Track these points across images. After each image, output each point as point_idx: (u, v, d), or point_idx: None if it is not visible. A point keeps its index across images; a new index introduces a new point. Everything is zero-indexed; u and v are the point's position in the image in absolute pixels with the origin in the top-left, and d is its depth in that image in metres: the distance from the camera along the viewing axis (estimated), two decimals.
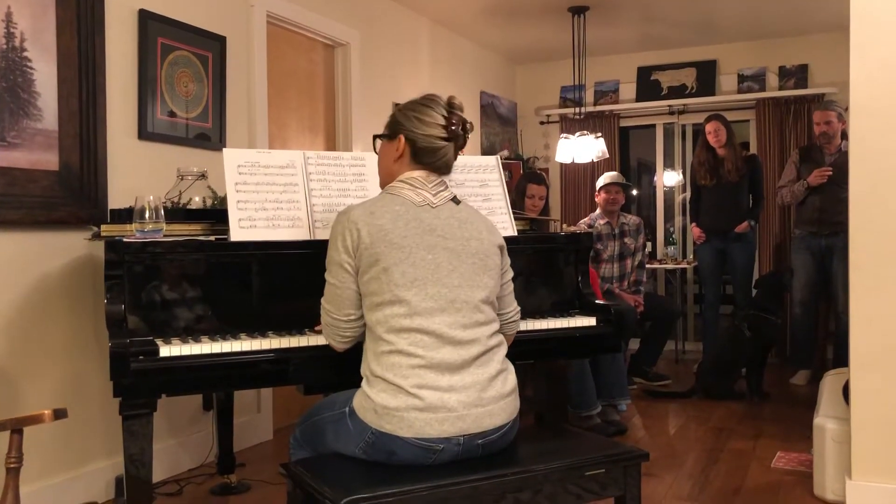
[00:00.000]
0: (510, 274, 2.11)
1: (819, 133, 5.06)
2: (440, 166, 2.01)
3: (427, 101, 2.02)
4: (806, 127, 6.05)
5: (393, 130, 2.03)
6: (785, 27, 5.99)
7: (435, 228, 1.92)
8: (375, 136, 2.11)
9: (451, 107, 2.01)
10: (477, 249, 1.95)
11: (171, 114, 3.45)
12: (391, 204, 1.92)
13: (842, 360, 3.90)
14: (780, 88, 6.27)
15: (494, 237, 2.02)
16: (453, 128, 1.98)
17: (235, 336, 2.15)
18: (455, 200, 2.01)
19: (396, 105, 5.13)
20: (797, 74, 6.24)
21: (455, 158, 2.05)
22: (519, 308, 2.18)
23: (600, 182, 5.16)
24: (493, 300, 1.98)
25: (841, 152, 4.89)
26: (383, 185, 2.07)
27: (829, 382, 3.24)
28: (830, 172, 4.88)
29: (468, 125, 2.02)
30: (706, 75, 6.52)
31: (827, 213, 4.95)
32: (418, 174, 1.98)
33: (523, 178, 4.74)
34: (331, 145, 4.68)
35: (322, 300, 1.99)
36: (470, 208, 2.05)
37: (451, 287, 1.88)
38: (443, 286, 1.87)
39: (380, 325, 1.85)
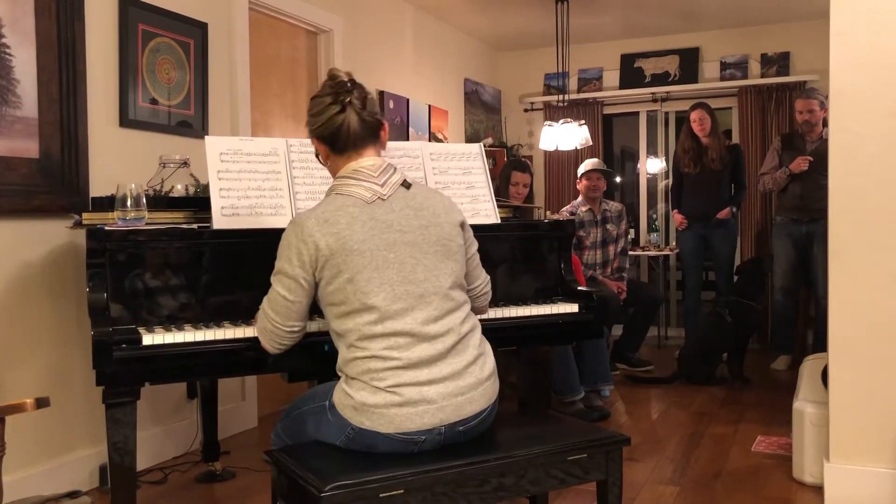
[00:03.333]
0: (474, 246, 2.05)
1: (801, 122, 5.10)
2: (356, 140, 1.91)
3: (315, 95, 1.97)
4: (788, 114, 6.10)
5: (311, 140, 2.00)
6: (767, 15, 6.02)
7: (391, 224, 1.85)
8: (316, 156, 2.04)
9: (332, 78, 1.94)
10: (437, 236, 1.89)
11: (153, 101, 3.43)
12: (343, 206, 1.84)
13: (822, 345, 3.95)
14: (763, 76, 6.31)
15: (452, 215, 1.95)
16: (340, 96, 1.89)
17: (219, 324, 2.15)
18: (405, 185, 1.92)
19: (380, 92, 5.16)
20: (779, 62, 6.27)
21: (365, 118, 1.91)
22: (488, 278, 2.14)
23: (582, 169, 5.18)
24: (462, 282, 1.95)
25: (822, 140, 4.93)
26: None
27: (809, 367, 3.28)
28: (811, 160, 4.92)
29: (349, 83, 1.91)
30: (689, 63, 6.54)
31: (808, 199, 4.99)
32: (357, 164, 1.91)
33: (508, 166, 4.75)
34: None
35: (264, 304, 1.92)
36: (423, 190, 1.97)
37: (418, 282, 1.84)
38: (409, 283, 1.83)
39: (351, 333, 1.82)
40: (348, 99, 1.90)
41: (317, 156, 2.04)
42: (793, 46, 6.23)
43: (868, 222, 2.81)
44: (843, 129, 2.85)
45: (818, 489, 2.94)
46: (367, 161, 1.92)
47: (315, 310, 1.95)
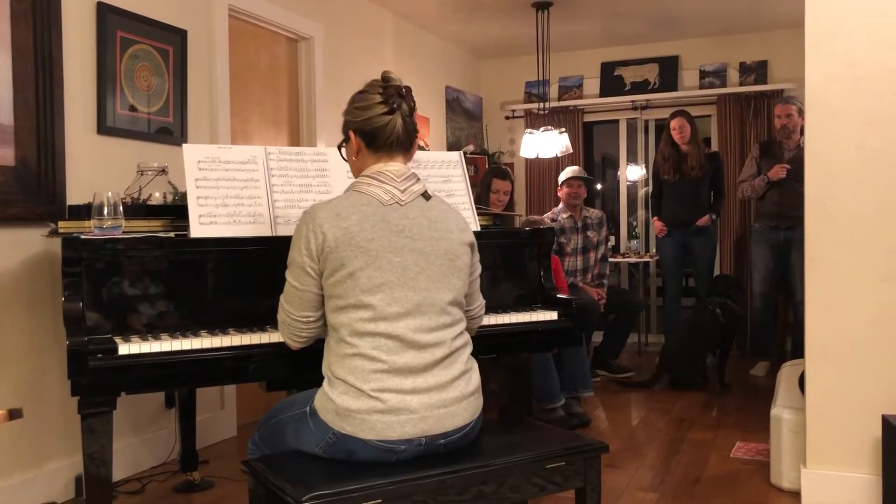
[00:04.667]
0: (479, 270, 2.08)
1: (780, 126, 5.15)
2: (394, 142, 1.93)
3: (363, 88, 1.97)
4: (766, 122, 6.16)
5: (345, 131, 2.00)
6: (745, 23, 6.08)
7: (403, 229, 1.87)
8: (338, 146, 2.06)
9: (386, 80, 1.95)
10: (446, 250, 1.91)
11: (132, 108, 3.41)
12: (358, 203, 1.87)
13: (800, 351, 3.97)
14: (741, 84, 6.37)
15: (465, 235, 1.97)
16: (391, 99, 1.92)
17: (196, 333, 2.14)
18: (426, 196, 1.95)
19: None
20: (757, 70, 6.34)
21: (409, 127, 1.95)
22: (484, 302, 2.17)
23: (563, 176, 5.21)
24: (461, 300, 1.96)
25: (800, 148, 4.98)
26: None
27: (787, 373, 3.31)
28: (789, 168, 4.98)
29: (404, 89, 1.95)
30: (668, 71, 6.59)
31: (786, 207, 5.04)
32: (384, 167, 1.93)
33: (488, 173, 4.77)
34: (294, 140, 4.65)
35: (281, 298, 1.95)
36: (442, 204, 1.99)
37: (418, 290, 1.85)
38: (409, 290, 1.84)
39: (343, 327, 1.83)
40: (399, 104, 1.93)
41: (339, 148, 2.05)
42: (770, 55, 6.30)
43: (843, 229, 2.85)
44: (819, 138, 2.88)
45: (796, 495, 2.96)
46: (393, 166, 1.94)
47: None
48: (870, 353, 2.81)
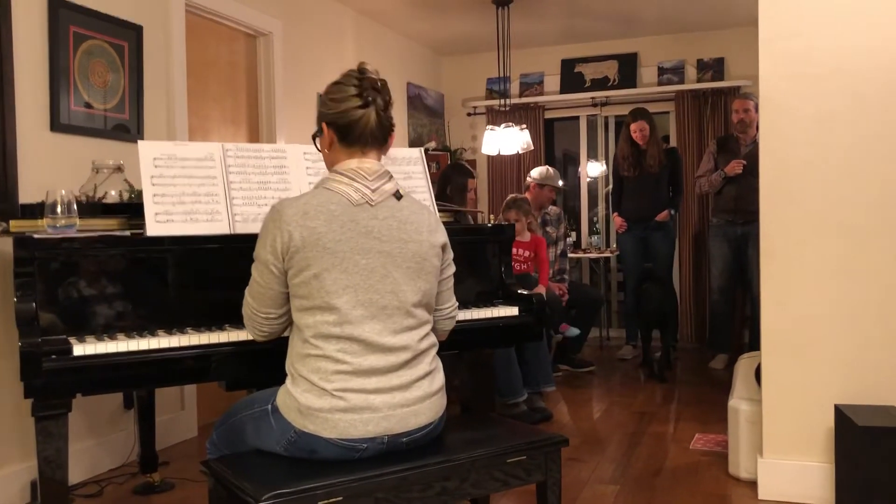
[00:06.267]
0: (451, 269, 2.05)
1: (737, 121, 5.24)
2: (368, 137, 1.89)
3: (338, 79, 1.94)
4: (723, 118, 6.26)
5: (318, 122, 1.96)
6: (702, 21, 6.17)
7: (371, 230, 1.83)
8: (312, 137, 2.02)
9: (362, 72, 1.91)
10: (415, 253, 1.88)
11: (88, 105, 3.35)
12: (327, 202, 1.83)
13: (757, 343, 4.05)
14: (699, 81, 6.46)
15: (436, 237, 1.94)
16: (365, 93, 1.88)
17: (154, 333, 2.10)
18: (397, 195, 1.91)
19: (321, 96, 5.11)
20: (714, 67, 6.43)
21: (383, 122, 1.91)
22: (456, 304, 2.13)
23: (539, 178, 5.24)
24: (429, 301, 1.94)
25: (756, 143, 5.05)
26: None
27: (744, 365, 3.37)
28: (745, 163, 5.06)
29: (380, 83, 1.91)
30: (628, 68, 6.66)
31: (742, 202, 5.13)
32: (355, 163, 1.89)
33: (460, 174, 4.75)
34: (254, 137, 4.61)
35: (246, 291, 1.94)
36: (413, 204, 1.95)
37: (384, 293, 1.83)
38: (375, 292, 1.82)
39: (308, 328, 1.81)
40: (374, 97, 1.89)
41: (314, 139, 2.01)
42: (727, 52, 6.39)
43: (797, 223, 2.90)
44: (772, 135, 2.94)
45: (752, 484, 3.02)
46: (366, 163, 1.90)
47: None
48: (823, 345, 2.87)
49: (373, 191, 1.87)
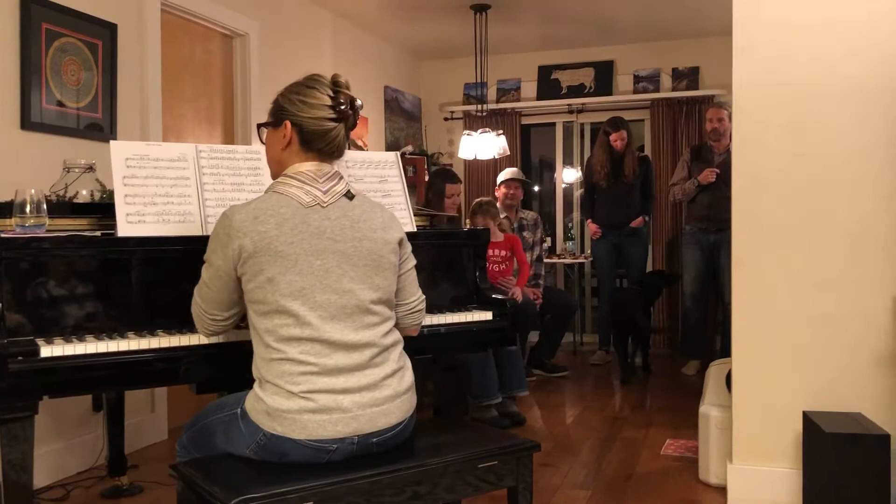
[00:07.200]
0: (411, 263, 2.04)
1: (710, 129, 5.30)
2: (331, 150, 1.90)
3: (310, 82, 1.91)
4: (697, 126, 6.33)
5: (277, 117, 1.93)
6: (678, 30, 6.23)
7: (324, 231, 1.82)
8: (259, 125, 2.00)
9: (337, 85, 1.90)
10: (370, 250, 1.87)
11: (60, 103, 3.31)
12: (277, 206, 1.81)
13: (728, 350, 4.09)
14: (673, 89, 6.52)
15: (390, 233, 1.92)
16: (341, 107, 1.87)
17: (123, 335, 2.08)
18: (348, 195, 1.90)
19: None
20: (689, 76, 6.50)
21: (347, 140, 1.93)
22: (423, 296, 2.11)
23: (501, 177, 5.26)
24: (389, 297, 1.94)
25: (729, 152, 5.08)
26: (274, 176, 1.96)
27: (715, 372, 3.40)
28: (719, 172, 5.12)
29: (356, 103, 1.92)
30: (604, 75, 6.70)
31: (715, 209, 5.18)
32: (308, 167, 1.88)
33: (439, 180, 4.74)
34: (229, 138, 4.58)
35: (195, 289, 1.92)
36: (366, 202, 1.94)
37: (342, 293, 1.82)
38: (332, 293, 1.81)
39: (268, 333, 1.79)
40: (346, 116, 1.90)
41: (258, 129, 1.99)
42: (702, 61, 6.46)
43: (768, 231, 2.94)
44: (745, 144, 2.97)
45: (722, 490, 3.05)
46: (314, 165, 1.89)
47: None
48: (793, 352, 2.91)
49: (323, 192, 1.86)
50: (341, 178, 1.92)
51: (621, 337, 5.42)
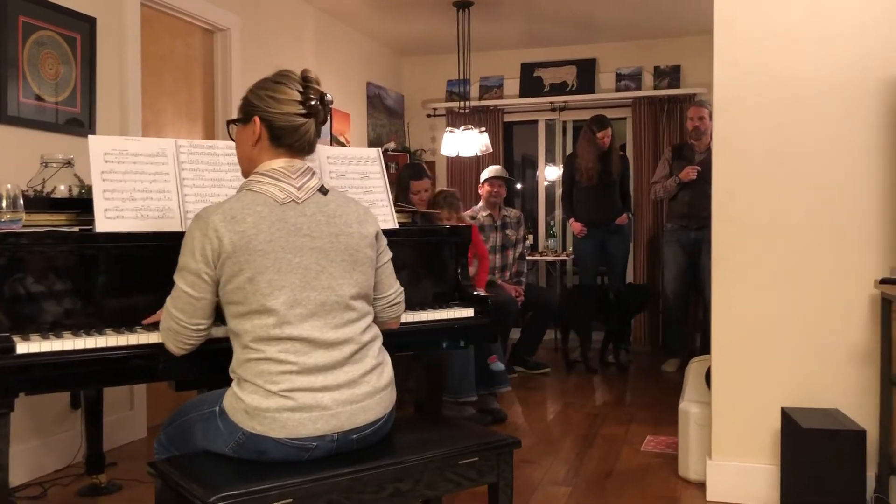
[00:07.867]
0: (387, 255, 2.04)
1: (692, 128, 5.33)
2: (302, 146, 1.89)
3: (280, 78, 1.90)
4: (679, 125, 6.36)
5: (247, 113, 1.91)
6: (660, 29, 6.26)
7: (301, 227, 1.82)
8: (229, 122, 1.98)
9: (307, 80, 1.88)
10: (347, 245, 1.87)
11: (38, 98, 3.27)
12: (253, 204, 1.80)
13: (708, 347, 4.11)
14: (655, 88, 6.55)
15: (365, 227, 1.93)
16: (312, 102, 1.86)
17: (101, 331, 2.06)
18: (322, 190, 1.90)
19: None
20: (671, 75, 6.53)
21: (318, 136, 1.92)
22: (401, 289, 2.11)
23: (484, 175, 5.26)
24: (367, 292, 1.94)
25: (710, 150, 5.13)
26: (245, 174, 1.95)
27: (694, 369, 3.42)
28: (700, 170, 5.15)
29: (327, 98, 1.91)
30: (586, 73, 6.72)
31: (696, 207, 5.21)
32: (280, 164, 1.87)
33: (405, 175, 4.74)
34: (210, 133, 4.55)
35: (168, 303, 1.86)
36: (340, 197, 1.94)
37: (321, 290, 1.81)
38: (312, 290, 1.80)
39: (247, 334, 1.78)
40: (317, 111, 1.88)
41: (228, 126, 1.96)
42: (684, 60, 6.49)
43: (748, 229, 2.96)
44: (726, 142, 2.99)
45: (701, 486, 3.07)
46: (285, 161, 1.87)
47: (219, 316, 1.89)
48: (771, 349, 2.93)
49: (298, 188, 1.85)
50: (314, 173, 1.92)
51: (566, 333, 5.64)
